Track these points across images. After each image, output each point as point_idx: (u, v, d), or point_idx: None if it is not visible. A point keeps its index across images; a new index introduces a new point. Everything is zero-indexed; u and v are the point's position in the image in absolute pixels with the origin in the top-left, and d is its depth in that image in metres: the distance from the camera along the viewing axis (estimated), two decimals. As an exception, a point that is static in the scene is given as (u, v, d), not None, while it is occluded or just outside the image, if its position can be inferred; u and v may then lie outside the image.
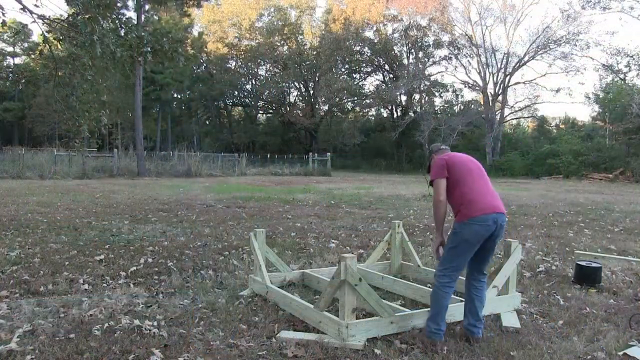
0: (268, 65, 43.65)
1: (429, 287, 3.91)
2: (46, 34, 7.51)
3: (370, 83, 43.63)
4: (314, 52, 40.97)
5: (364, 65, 41.48)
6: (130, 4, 22.02)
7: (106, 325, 3.37)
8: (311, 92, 42.24)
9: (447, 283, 3.15)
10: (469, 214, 3.10)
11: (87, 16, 6.00)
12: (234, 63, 43.92)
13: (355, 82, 40.65)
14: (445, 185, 3.19)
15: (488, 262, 3.31)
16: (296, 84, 43.54)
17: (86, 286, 4.36)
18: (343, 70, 40.68)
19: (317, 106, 41.46)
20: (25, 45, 43.47)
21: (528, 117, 39.74)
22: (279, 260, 4.68)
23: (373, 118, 45.72)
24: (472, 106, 37.86)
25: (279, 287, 4.13)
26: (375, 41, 38.54)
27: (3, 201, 10.87)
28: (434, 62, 38.77)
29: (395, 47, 39.05)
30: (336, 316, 3.24)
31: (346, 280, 3.08)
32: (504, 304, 3.81)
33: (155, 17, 33.25)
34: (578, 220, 9.25)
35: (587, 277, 4.57)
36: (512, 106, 36.46)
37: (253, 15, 41.42)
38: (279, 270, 4.65)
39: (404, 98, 39.25)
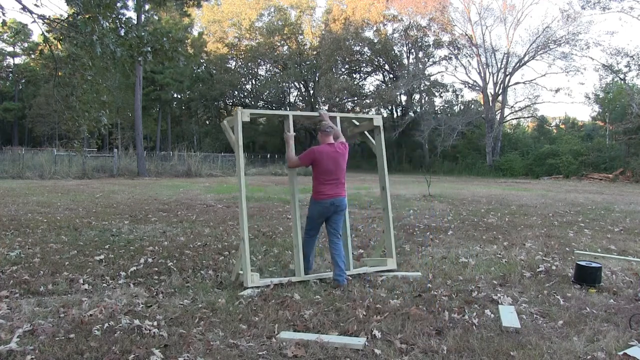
0: (268, 65, 43.68)
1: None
2: (46, 34, 7.51)
3: (370, 83, 43.69)
4: (314, 52, 40.99)
5: (364, 65, 41.46)
6: (130, 4, 21.99)
7: (106, 325, 3.37)
8: (311, 92, 42.24)
9: (307, 237, 4.79)
10: (315, 197, 4.65)
11: (87, 16, 5.98)
12: (234, 63, 43.94)
13: (355, 82, 40.62)
14: (298, 165, 4.69)
15: (339, 229, 4.70)
16: (296, 84, 43.54)
17: (86, 286, 4.36)
18: (343, 70, 40.65)
19: (317, 106, 41.43)
20: (25, 45, 43.47)
21: (528, 117, 39.74)
22: None
23: (373, 118, 45.64)
24: (472, 106, 37.84)
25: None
26: (375, 41, 38.54)
27: (3, 201, 10.88)
28: (434, 62, 38.79)
29: (395, 47, 39.05)
30: None
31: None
32: None
33: (155, 17, 33.27)
34: (578, 220, 9.24)
35: (587, 277, 4.57)
36: (512, 106, 36.47)
37: (253, 15, 41.47)
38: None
39: (404, 98, 39.26)
